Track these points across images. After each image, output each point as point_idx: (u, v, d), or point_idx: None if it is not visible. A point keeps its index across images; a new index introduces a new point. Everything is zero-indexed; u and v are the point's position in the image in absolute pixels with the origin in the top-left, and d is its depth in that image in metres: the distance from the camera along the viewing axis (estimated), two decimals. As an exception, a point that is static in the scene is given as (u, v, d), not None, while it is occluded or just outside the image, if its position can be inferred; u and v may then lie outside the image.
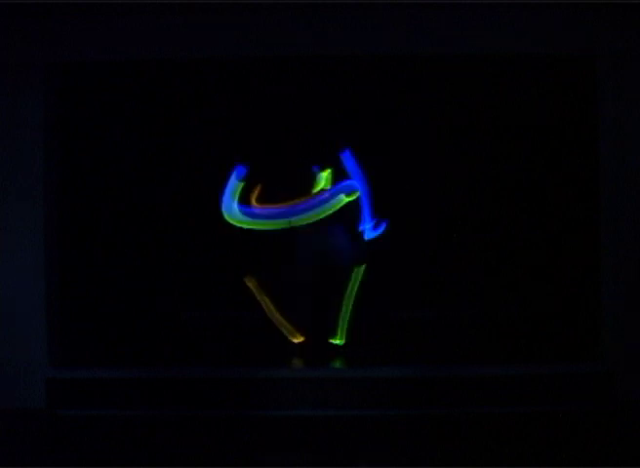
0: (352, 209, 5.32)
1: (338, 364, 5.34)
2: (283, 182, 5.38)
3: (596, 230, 5.37)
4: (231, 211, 5.28)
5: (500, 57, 5.42)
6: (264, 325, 5.47)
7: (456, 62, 5.44)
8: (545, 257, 5.43)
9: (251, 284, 5.34)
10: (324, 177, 5.38)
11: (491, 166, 5.47)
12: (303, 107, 5.56)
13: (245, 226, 5.29)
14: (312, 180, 5.39)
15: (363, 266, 5.32)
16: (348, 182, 5.32)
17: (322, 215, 5.32)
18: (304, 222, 5.31)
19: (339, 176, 5.37)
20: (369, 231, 5.32)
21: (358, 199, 5.31)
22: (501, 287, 5.44)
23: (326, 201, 5.31)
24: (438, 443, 4.49)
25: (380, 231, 5.31)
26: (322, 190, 5.36)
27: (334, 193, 5.32)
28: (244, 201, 5.30)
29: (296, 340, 5.42)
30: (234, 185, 5.27)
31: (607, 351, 5.28)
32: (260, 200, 5.31)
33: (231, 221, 5.28)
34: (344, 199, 5.30)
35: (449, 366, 5.30)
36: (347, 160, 5.31)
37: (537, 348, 5.36)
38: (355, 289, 5.33)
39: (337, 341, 5.39)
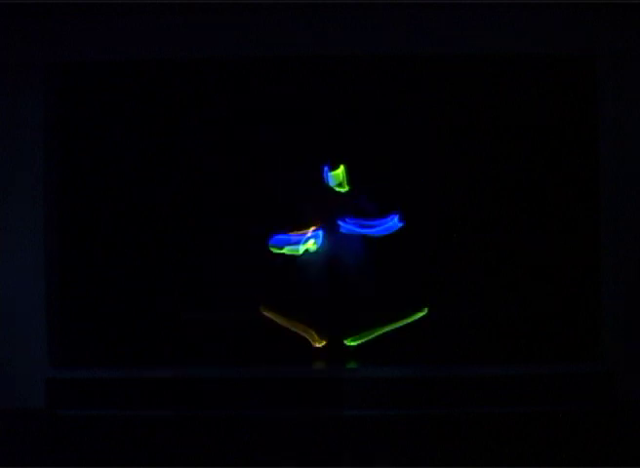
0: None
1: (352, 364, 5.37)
2: (284, 182, 5.40)
3: (596, 230, 5.37)
4: None
5: (500, 57, 5.41)
6: (264, 324, 5.48)
7: (456, 62, 5.43)
8: (545, 257, 5.43)
9: (268, 312, 5.38)
10: (339, 175, 5.37)
11: (491, 166, 5.47)
12: (303, 107, 5.55)
13: None
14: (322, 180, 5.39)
15: (424, 312, 5.34)
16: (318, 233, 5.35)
17: (290, 252, 5.32)
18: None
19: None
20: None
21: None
22: (501, 287, 5.43)
23: (298, 242, 5.32)
24: (438, 443, 4.49)
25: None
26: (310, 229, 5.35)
27: (306, 238, 5.32)
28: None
29: (318, 345, 5.42)
30: None
31: (607, 351, 5.28)
32: None
33: None
34: (311, 246, 5.33)
35: (449, 366, 5.30)
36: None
37: (537, 348, 5.36)
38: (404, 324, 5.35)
39: (351, 342, 5.40)
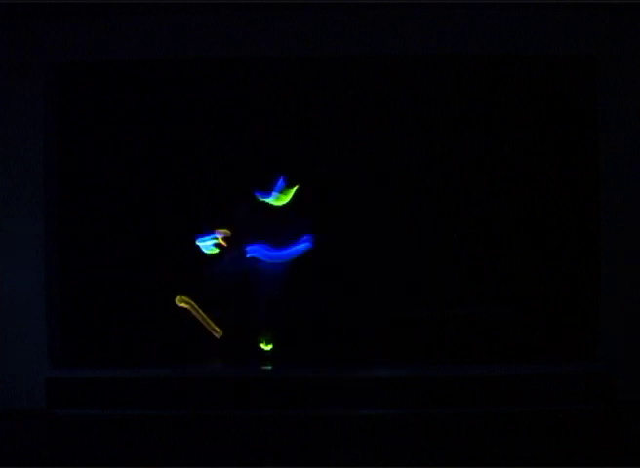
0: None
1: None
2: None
3: (596, 230, 5.37)
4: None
5: (501, 57, 5.42)
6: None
7: (456, 62, 5.44)
8: (546, 257, 5.43)
9: (184, 302, 5.42)
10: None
11: (491, 166, 5.47)
12: (303, 107, 5.55)
13: None
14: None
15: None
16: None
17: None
18: None
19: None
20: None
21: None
22: (501, 287, 5.43)
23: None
24: (438, 443, 4.49)
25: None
26: None
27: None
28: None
29: (217, 336, 5.45)
30: None
31: (607, 351, 5.28)
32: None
33: None
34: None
35: (449, 366, 5.30)
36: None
37: (537, 348, 5.36)
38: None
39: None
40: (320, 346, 5.40)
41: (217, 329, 5.44)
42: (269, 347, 5.47)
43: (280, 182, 5.40)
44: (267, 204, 5.44)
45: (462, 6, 5.18)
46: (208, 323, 5.43)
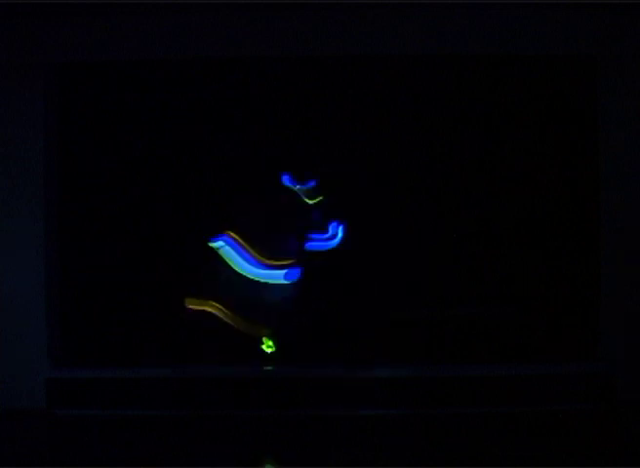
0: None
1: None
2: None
3: (596, 230, 5.37)
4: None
5: (501, 57, 5.42)
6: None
7: (456, 62, 5.44)
8: (546, 257, 5.43)
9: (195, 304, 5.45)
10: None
11: (491, 166, 5.47)
12: (303, 107, 5.55)
13: None
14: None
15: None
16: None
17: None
18: None
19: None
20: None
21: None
22: (501, 287, 5.43)
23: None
24: (438, 443, 4.49)
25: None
26: None
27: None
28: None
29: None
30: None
31: (607, 351, 5.28)
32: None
33: None
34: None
35: (449, 366, 5.30)
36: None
37: (537, 348, 5.36)
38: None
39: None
40: (320, 346, 5.40)
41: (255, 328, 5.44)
42: (270, 347, 5.47)
43: (311, 183, 5.43)
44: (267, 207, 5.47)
45: (462, 6, 5.18)
46: (240, 324, 5.44)
